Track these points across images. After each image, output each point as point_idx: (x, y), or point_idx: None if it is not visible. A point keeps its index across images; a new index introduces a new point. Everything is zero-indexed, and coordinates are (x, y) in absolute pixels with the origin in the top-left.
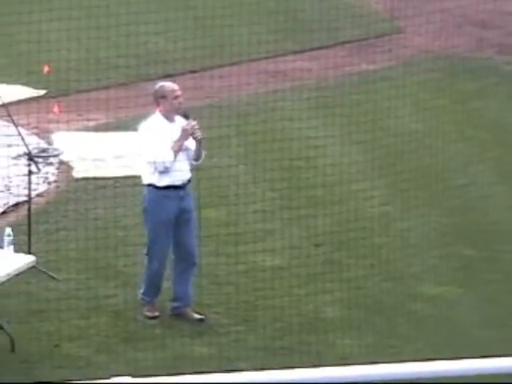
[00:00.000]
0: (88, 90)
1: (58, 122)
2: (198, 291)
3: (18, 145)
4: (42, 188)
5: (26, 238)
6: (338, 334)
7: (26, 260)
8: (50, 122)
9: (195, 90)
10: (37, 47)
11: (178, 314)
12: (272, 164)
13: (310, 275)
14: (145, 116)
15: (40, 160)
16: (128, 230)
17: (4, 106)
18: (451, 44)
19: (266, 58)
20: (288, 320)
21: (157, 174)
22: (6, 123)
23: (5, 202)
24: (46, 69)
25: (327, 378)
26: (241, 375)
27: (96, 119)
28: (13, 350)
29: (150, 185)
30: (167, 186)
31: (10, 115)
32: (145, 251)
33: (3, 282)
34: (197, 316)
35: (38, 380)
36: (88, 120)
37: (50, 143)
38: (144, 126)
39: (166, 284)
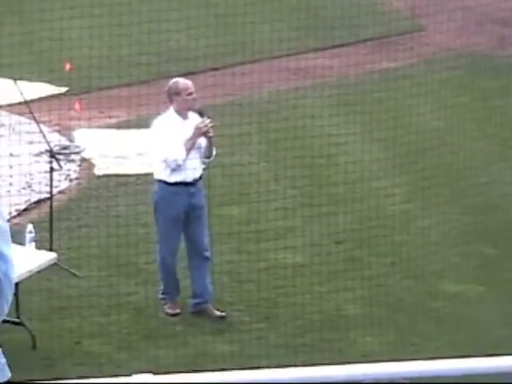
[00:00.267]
0: (109, 88)
1: (79, 119)
2: (220, 288)
3: (39, 142)
4: (64, 185)
5: (48, 235)
6: (359, 331)
7: (47, 257)
8: (71, 119)
9: (216, 88)
10: (59, 45)
11: (199, 311)
12: (293, 161)
13: (331, 273)
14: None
15: (62, 157)
16: (149, 228)
17: (26, 103)
18: (473, 42)
19: (288, 55)
20: (309, 317)
21: (168, 171)
22: (27, 120)
23: (27, 199)
24: (67, 66)
25: (348, 375)
26: (262, 373)
27: (117, 116)
28: (34, 347)
29: (160, 181)
30: (178, 182)
31: (31, 112)
32: (157, 248)
33: (25, 279)
34: (218, 313)
35: (59, 377)
36: (109, 117)
37: (71, 140)
38: (157, 122)
39: (187, 282)
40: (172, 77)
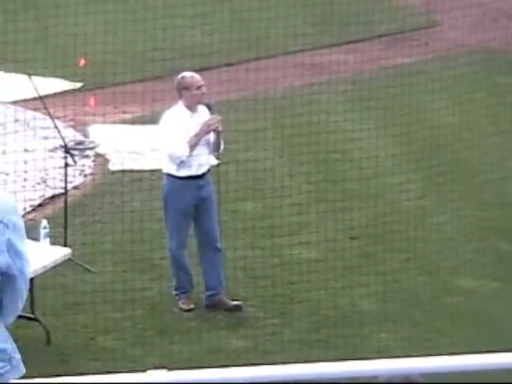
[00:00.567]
0: (124, 83)
1: (94, 114)
2: (234, 284)
3: (54, 137)
4: (79, 180)
5: (62, 230)
6: (374, 327)
7: (62, 252)
8: (86, 114)
9: (231, 83)
10: (73, 40)
11: (214, 304)
12: (308, 157)
13: (346, 268)
14: None
15: (76, 153)
16: (164, 223)
17: (41, 98)
18: (488, 37)
19: (303, 50)
20: (324, 313)
21: (176, 165)
22: (42, 116)
23: (41, 194)
24: (82, 62)
25: (363, 371)
26: (276, 368)
27: (132, 112)
28: (48, 342)
29: (169, 174)
30: (187, 176)
31: (46, 108)
32: (167, 242)
33: (39, 275)
34: (233, 302)
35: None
36: (124, 113)
37: (86, 136)
38: (166, 116)
39: (200, 278)
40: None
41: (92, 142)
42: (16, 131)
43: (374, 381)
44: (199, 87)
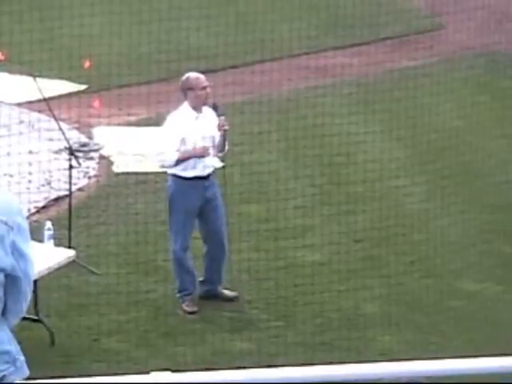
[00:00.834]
0: (129, 85)
1: (98, 116)
2: (238, 286)
3: (59, 139)
4: (83, 182)
5: (67, 232)
6: (378, 330)
7: (66, 254)
8: (90, 116)
9: (236, 86)
10: (78, 42)
11: (210, 296)
12: (312, 160)
13: (350, 271)
14: None
15: (81, 154)
16: (168, 225)
17: (45, 100)
18: (492, 41)
19: (307, 53)
20: (328, 316)
21: (181, 165)
22: (47, 118)
23: (45, 196)
24: (86, 63)
25: (367, 374)
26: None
27: (137, 114)
28: (52, 343)
29: (174, 175)
30: (192, 177)
31: (51, 110)
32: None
33: (43, 276)
34: (230, 293)
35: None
36: (129, 115)
37: (90, 138)
38: (171, 117)
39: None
40: None
41: (96, 143)
42: (21, 133)
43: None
44: (204, 88)
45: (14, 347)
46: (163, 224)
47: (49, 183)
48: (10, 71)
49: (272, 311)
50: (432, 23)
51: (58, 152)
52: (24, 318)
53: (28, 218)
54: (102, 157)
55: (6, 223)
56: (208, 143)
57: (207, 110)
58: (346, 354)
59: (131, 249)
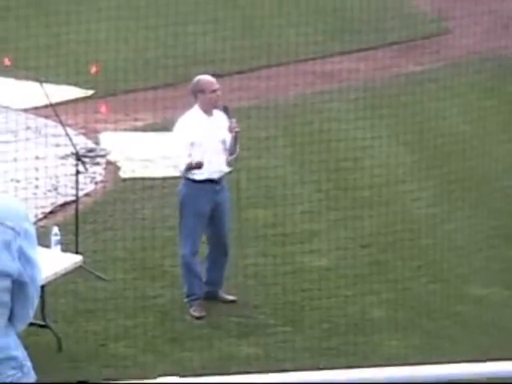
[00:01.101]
0: (136, 90)
1: (105, 122)
2: (245, 291)
3: (65, 145)
4: (90, 188)
5: (74, 237)
6: (385, 335)
7: (73, 260)
8: (97, 122)
9: (242, 91)
10: (85, 47)
11: (211, 297)
12: (319, 165)
13: (357, 276)
14: None
15: (87, 160)
16: (175, 230)
17: (52, 106)
18: (499, 45)
19: (314, 58)
20: (335, 321)
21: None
22: (54, 123)
23: (52, 201)
24: (93, 69)
25: (374, 378)
26: (287, 376)
27: (144, 119)
28: (60, 349)
29: (186, 178)
30: (204, 180)
31: (57, 115)
32: (180, 247)
33: (51, 282)
34: (230, 297)
35: (84, 379)
36: (135, 120)
37: (97, 143)
38: (181, 120)
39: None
40: None
41: (103, 149)
42: (27, 138)
43: None
44: (214, 91)
45: (21, 353)
46: (170, 229)
47: (55, 189)
48: (17, 77)
49: (279, 316)
50: (438, 28)
51: (64, 157)
52: (31, 324)
53: (35, 223)
54: (108, 162)
55: (13, 229)
56: (219, 146)
57: (218, 113)
58: (353, 359)
59: (138, 254)
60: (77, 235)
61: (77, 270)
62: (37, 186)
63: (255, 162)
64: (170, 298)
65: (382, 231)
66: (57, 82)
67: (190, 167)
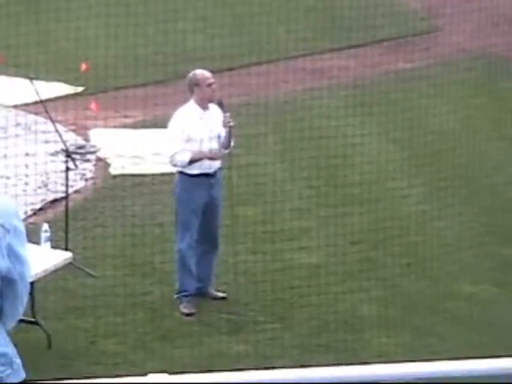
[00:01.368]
0: (126, 87)
1: (95, 118)
2: (235, 289)
3: (55, 141)
4: (80, 185)
5: (63, 234)
6: (375, 332)
7: (63, 256)
8: (87, 118)
9: (232, 88)
10: (75, 44)
11: (201, 294)
12: (309, 162)
13: (347, 273)
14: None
15: (77, 157)
16: (165, 227)
17: (42, 102)
18: (489, 43)
19: (304, 55)
20: (324, 318)
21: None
22: (43, 120)
23: (42, 198)
24: (83, 67)
25: (363, 375)
26: (277, 373)
27: (133, 116)
28: (49, 346)
29: (181, 173)
30: (199, 174)
31: (47, 112)
32: (176, 240)
33: (40, 279)
34: (220, 294)
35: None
36: (125, 117)
37: (87, 140)
38: (176, 115)
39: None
40: None
41: (93, 146)
42: (17, 135)
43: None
44: (210, 84)
45: (10, 350)
46: (160, 226)
47: (45, 185)
48: (7, 73)
49: (269, 313)
50: (429, 25)
51: (54, 154)
52: (21, 321)
53: (25, 220)
54: (98, 159)
55: (2, 226)
56: (214, 140)
57: (213, 108)
58: (343, 356)
59: (128, 251)
60: (67, 232)
61: (67, 266)
62: (27, 183)
63: (245, 158)
64: (160, 295)
65: (372, 228)
66: (47, 78)
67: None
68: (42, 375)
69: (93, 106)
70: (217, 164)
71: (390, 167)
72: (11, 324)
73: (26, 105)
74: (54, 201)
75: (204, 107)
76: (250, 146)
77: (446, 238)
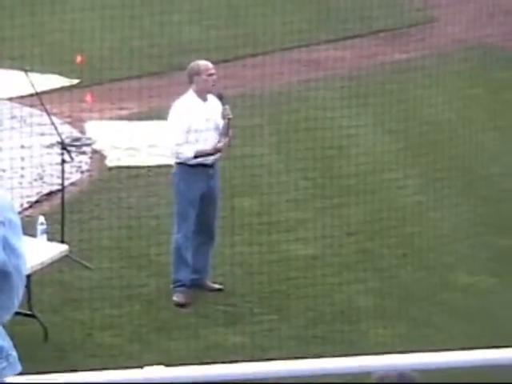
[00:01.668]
0: (121, 79)
1: (90, 111)
2: (231, 280)
3: (51, 134)
4: (75, 177)
5: (59, 226)
6: (371, 323)
7: (59, 249)
8: (82, 111)
9: (228, 80)
10: (70, 36)
11: (197, 286)
12: (304, 153)
13: (343, 264)
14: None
15: (73, 149)
16: (161, 219)
17: (37, 95)
18: (484, 33)
19: (299, 47)
20: (321, 309)
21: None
22: (39, 112)
23: (38, 191)
24: (78, 59)
25: (360, 366)
26: (273, 364)
27: (129, 108)
28: (46, 338)
29: (180, 163)
30: (197, 164)
31: (43, 104)
32: (173, 231)
33: (37, 271)
34: (216, 286)
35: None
36: (121, 109)
37: (82, 132)
38: (176, 106)
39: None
40: (183, 69)
41: (89, 138)
42: (12, 128)
43: (369, 378)
44: (210, 74)
45: (6, 343)
46: (156, 218)
47: (41, 178)
48: (2, 66)
49: (265, 305)
50: (424, 16)
51: (50, 147)
52: (17, 313)
53: (21, 212)
54: (94, 151)
55: None
56: (213, 131)
57: (212, 99)
58: (340, 347)
59: (124, 243)
60: (63, 224)
61: (63, 259)
62: (22, 176)
63: (241, 150)
64: (156, 287)
65: (368, 219)
66: (42, 71)
67: (208, 153)
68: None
69: (88, 98)
70: (215, 154)
71: (386, 158)
72: (7, 317)
73: (21, 97)
74: (50, 193)
75: (203, 98)
76: (245, 137)
77: (442, 228)
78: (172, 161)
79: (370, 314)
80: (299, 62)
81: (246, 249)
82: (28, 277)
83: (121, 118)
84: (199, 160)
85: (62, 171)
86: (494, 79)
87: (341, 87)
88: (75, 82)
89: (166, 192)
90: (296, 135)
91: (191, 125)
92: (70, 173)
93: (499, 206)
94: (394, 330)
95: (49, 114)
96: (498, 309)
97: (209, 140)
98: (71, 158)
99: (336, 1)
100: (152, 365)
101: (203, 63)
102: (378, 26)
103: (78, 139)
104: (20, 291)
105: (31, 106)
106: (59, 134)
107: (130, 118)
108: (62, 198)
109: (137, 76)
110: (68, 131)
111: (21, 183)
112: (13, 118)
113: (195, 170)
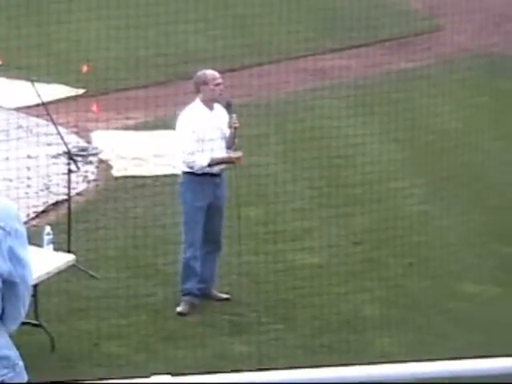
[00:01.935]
0: (127, 89)
1: (97, 120)
2: (238, 289)
3: (57, 144)
4: (82, 187)
5: (66, 236)
6: (377, 332)
7: (65, 259)
8: (89, 120)
9: (234, 89)
10: (76, 46)
11: (204, 295)
12: (311, 162)
13: (349, 273)
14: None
15: (79, 159)
16: (167, 229)
17: (43, 105)
18: (490, 42)
19: (305, 56)
20: (327, 318)
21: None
22: (45, 122)
23: (44, 200)
24: (84, 68)
25: (366, 375)
26: (280, 374)
27: (135, 118)
28: (53, 348)
29: (186, 172)
30: (205, 173)
31: (49, 114)
32: (183, 244)
33: (43, 281)
34: (223, 295)
35: (77, 378)
36: (127, 119)
37: (89, 142)
38: (184, 115)
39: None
40: (189, 78)
41: (95, 148)
42: (19, 138)
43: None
44: (218, 84)
45: (13, 352)
46: (162, 228)
47: (48, 188)
48: (8, 76)
49: (271, 314)
50: (430, 25)
51: (56, 156)
52: (24, 323)
53: (27, 222)
54: (100, 161)
55: (3, 228)
56: (221, 140)
57: (218, 108)
58: (346, 357)
59: (130, 253)
60: (69, 234)
61: (69, 268)
62: (29, 186)
63: (247, 159)
64: (163, 297)
65: (374, 228)
66: (48, 81)
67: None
68: (45, 378)
69: (94, 107)
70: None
71: (392, 167)
72: (13, 327)
73: (28, 107)
74: (57, 203)
75: (210, 107)
76: (251, 146)
77: (448, 237)
78: (179, 170)
79: (376, 323)
80: (305, 71)
81: (252, 258)
82: (34, 286)
83: (127, 128)
84: (206, 169)
85: (69, 181)
86: (500, 88)
87: (347, 96)
88: (81, 91)
89: (173, 202)
90: (302, 144)
91: (201, 134)
92: (77, 182)
93: (506, 215)
94: (399, 339)
95: (55, 124)
96: (504, 318)
97: (215, 149)
98: (77, 168)
99: (342, 10)
100: (159, 374)
101: (210, 72)
102: (384, 35)
103: (84, 149)
104: (26, 301)
105: (37, 115)
106: (65, 144)
107: (136, 127)
108: (69, 207)
109: (143, 85)
110: (74, 141)
111: (27, 193)
112: (19, 127)
113: (202, 179)
